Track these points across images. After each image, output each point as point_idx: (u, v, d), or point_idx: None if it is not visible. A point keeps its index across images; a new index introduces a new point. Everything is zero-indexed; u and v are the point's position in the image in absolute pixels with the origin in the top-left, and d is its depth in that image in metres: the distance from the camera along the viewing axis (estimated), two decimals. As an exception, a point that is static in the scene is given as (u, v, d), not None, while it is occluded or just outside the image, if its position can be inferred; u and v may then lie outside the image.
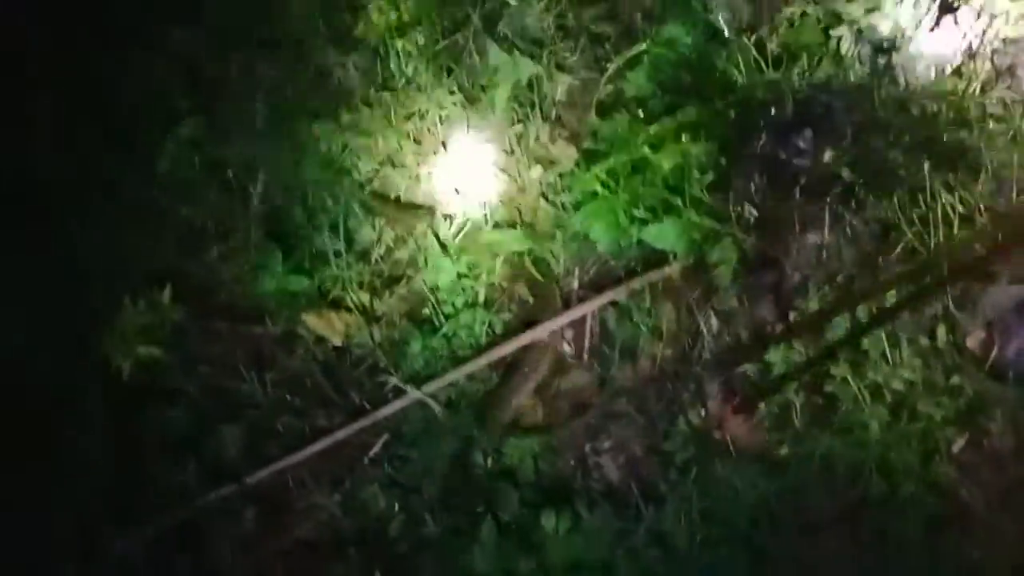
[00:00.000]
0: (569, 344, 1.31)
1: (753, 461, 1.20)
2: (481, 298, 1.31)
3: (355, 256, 1.33)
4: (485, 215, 1.33)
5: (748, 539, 1.16)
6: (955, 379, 1.18)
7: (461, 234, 1.33)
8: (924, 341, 1.20)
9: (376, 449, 1.26)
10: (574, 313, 1.30)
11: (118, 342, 1.23)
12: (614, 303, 1.30)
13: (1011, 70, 1.29)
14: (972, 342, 1.20)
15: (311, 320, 1.31)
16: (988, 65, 1.29)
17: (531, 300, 1.31)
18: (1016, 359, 1.18)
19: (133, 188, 1.35)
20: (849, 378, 1.19)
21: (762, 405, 1.22)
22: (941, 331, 1.20)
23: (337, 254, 1.32)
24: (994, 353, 1.19)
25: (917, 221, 1.23)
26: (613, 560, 1.16)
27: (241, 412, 1.27)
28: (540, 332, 1.29)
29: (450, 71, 1.39)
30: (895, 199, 1.24)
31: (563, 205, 1.32)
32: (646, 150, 1.30)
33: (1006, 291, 1.21)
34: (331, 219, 1.34)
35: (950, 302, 1.20)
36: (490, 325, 1.30)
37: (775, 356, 1.22)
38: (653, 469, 1.22)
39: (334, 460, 1.25)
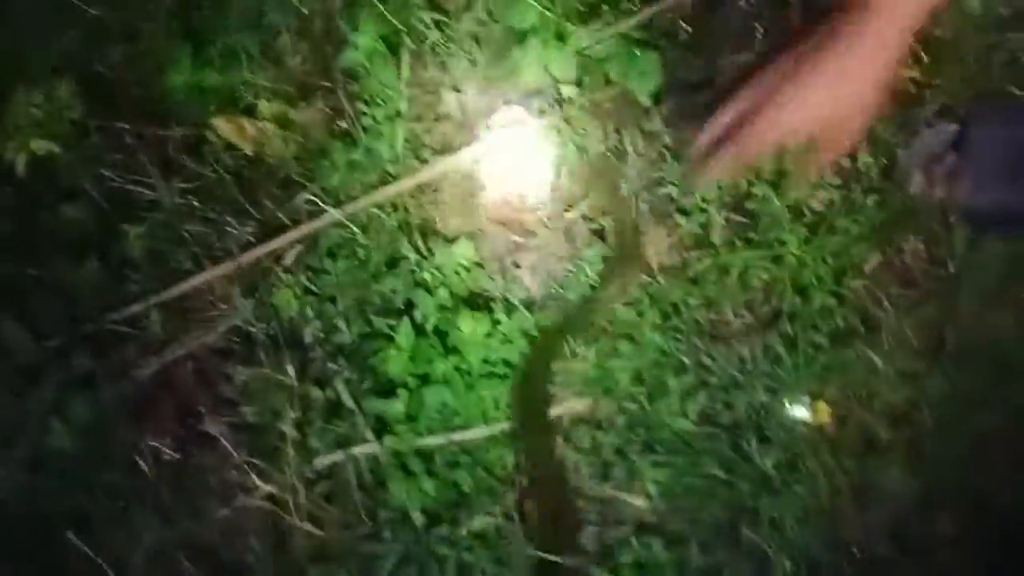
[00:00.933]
0: (494, 162, 1.28)
1: (670, 274, 1.20)
2: (404, 107, 1.26)
3: (270, 61, 1.26)
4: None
5: (661, 348, 1.16)
6: (873, 198, 1.19)
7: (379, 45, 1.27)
8: (845, 161, 1.20)
9: (290, 260, 1.22)
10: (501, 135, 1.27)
11: (10, 133, 1.15)
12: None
13: None
14: (913, 185, 1.21)
15: (221, 125, 1.24)
16: None
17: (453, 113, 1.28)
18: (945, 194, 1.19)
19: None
20: (771, 196, 1.18)
21: (683, 222, 1.22)
22: (862, 152, 1.20)
23: (250, 57, 1.25)
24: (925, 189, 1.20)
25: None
26: (528, 365, 1.16)
27: (146, 216, 1.21)
28: (462, 155, 1.26)
29: None
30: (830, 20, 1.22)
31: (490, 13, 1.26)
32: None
33: (937, 131, 1.21)
34: (248, 20, 1.26)
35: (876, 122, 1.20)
36: (414, 138, 1.26)
37: (697, 173, 1.21)
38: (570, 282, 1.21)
39: (246, 267, 1.20)
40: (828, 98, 0.78)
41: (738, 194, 1.20)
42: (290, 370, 1.13)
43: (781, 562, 1.07)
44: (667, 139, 1.24)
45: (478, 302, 1.18)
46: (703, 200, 1.21)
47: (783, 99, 0.79)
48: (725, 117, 0.82)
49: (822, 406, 1.13)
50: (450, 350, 1.14)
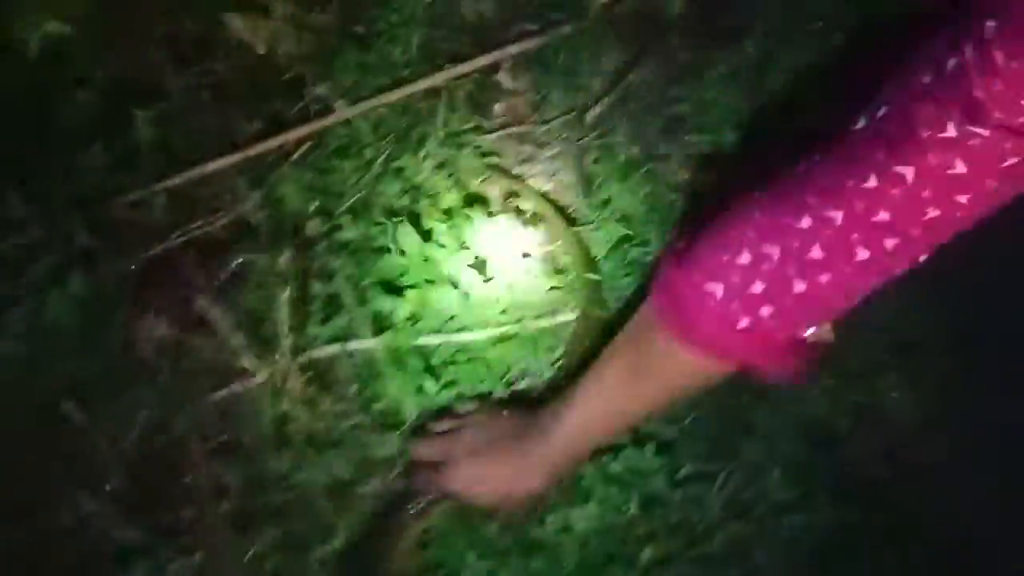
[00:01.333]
0: (507, 72, 1.27)
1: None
2: (420, 13, 1.25)
3: (285, -42, 1.25)
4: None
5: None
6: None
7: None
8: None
9: (297, 155, 1.21)
10: (516, 47, 1.25)
11: (23, 11, 1.14)
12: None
13: None
14: None
15: (234, 21, 1.23)
16: None
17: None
18: None
19: None
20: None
21: (696, 139, 1.21)
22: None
23: (266, -47, 1.24)
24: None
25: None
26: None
27: (156, 106, 1.20)
28: (476, 63, 1.25)
29: None
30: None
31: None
32: None
33: None
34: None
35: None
36: (429, 45, 1.25)
37: (711, 92, 1.21)
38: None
39: (253, 161, 1.19)
40: (503, 477, 0.92)
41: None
42: (291, 261, 1.12)
43: (774, 472, 1.06)
44: (683, 56, 1.23)
45: (485, 208, 1.17)
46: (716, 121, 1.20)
47: (462, 466, 0.95)
48: (423, 450, 1.02)
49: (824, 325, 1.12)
50: (454, 253, 1.14)
